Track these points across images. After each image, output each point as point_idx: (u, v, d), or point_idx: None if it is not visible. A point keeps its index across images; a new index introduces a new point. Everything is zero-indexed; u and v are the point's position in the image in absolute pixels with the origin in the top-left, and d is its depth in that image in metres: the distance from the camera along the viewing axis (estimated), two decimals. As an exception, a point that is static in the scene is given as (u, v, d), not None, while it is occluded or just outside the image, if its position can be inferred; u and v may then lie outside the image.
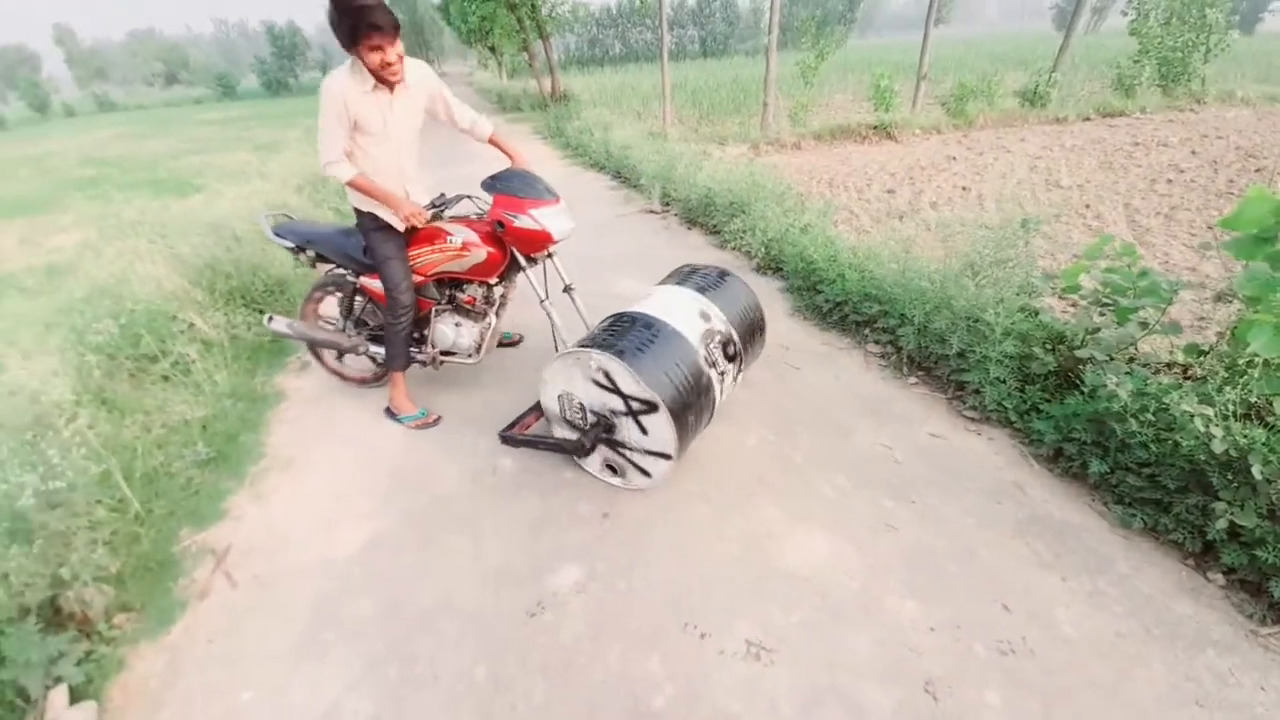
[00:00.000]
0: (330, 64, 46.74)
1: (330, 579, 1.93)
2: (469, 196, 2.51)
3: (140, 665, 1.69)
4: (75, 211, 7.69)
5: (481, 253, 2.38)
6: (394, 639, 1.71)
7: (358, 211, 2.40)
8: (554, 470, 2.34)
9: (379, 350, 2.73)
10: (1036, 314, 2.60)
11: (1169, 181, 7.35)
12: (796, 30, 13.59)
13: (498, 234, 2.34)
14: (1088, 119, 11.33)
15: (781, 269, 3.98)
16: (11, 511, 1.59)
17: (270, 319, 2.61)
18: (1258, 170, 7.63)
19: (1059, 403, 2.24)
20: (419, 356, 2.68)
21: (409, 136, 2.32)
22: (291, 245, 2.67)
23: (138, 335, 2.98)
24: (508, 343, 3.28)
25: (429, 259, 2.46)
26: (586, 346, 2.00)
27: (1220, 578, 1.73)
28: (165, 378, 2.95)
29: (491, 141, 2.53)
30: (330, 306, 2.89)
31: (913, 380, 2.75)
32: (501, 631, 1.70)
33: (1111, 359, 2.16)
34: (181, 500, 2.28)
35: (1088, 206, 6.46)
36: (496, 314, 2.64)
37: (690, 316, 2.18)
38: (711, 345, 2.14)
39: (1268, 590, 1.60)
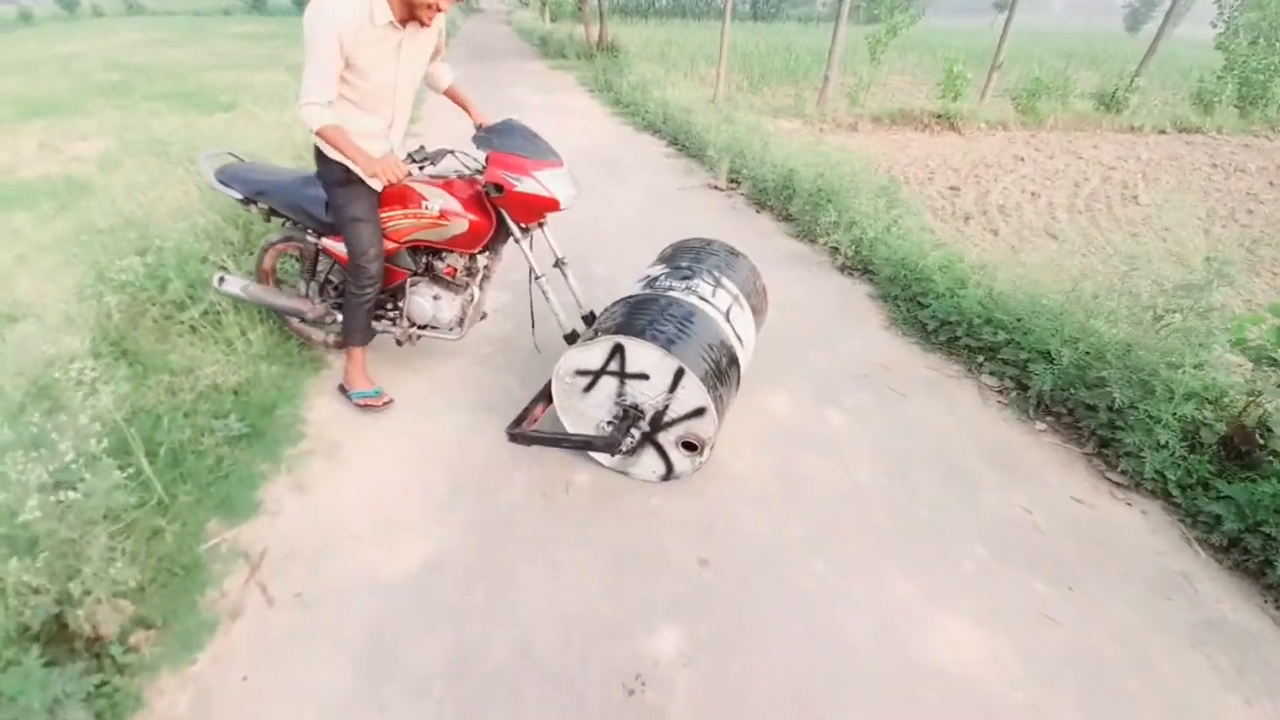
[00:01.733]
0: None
1: (386, 605, 1.65)
2: (452, 152, 2.19)
3: (160, 703, 1.42)
4: (98, 119, 7.28)
5: (462, 223, 2.09)
6: (466, 700, 1.42)
7: (320, 158, 2.01)
8: (635, 492, 2.03)
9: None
10: (1198, 367, 2.24)
11: (1249, 212, 6.85)
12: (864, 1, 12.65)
13: (489, 198, 2.07)
14: (1163, 132, 10.63)
15: (871, 270, 3.59)
16: (12, 520, 1.28)
17: (221, 279, 2.30)
18: (1340, 210, 7.11)
19: (1238, 481, 1.91)
20: (391, 330, 2.41)
21: (412, 86, 2.01)
22: (240, 196, 2.29)
23: (165, 278, 2.64)
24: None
25: (401, 224, 2.13)
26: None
27: None
28: (193, 329, 2.62)
29: (449, 94, 2.28)
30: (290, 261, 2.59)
31: (1041, 427, 2.40)
32: (594, 707, 1.42)
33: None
34: (210, 485, 1.98)
35: (1167, 229, 6.00)
36: (480, 286, 2.36)
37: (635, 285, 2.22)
38: (672, 278, 2.17)
39: None
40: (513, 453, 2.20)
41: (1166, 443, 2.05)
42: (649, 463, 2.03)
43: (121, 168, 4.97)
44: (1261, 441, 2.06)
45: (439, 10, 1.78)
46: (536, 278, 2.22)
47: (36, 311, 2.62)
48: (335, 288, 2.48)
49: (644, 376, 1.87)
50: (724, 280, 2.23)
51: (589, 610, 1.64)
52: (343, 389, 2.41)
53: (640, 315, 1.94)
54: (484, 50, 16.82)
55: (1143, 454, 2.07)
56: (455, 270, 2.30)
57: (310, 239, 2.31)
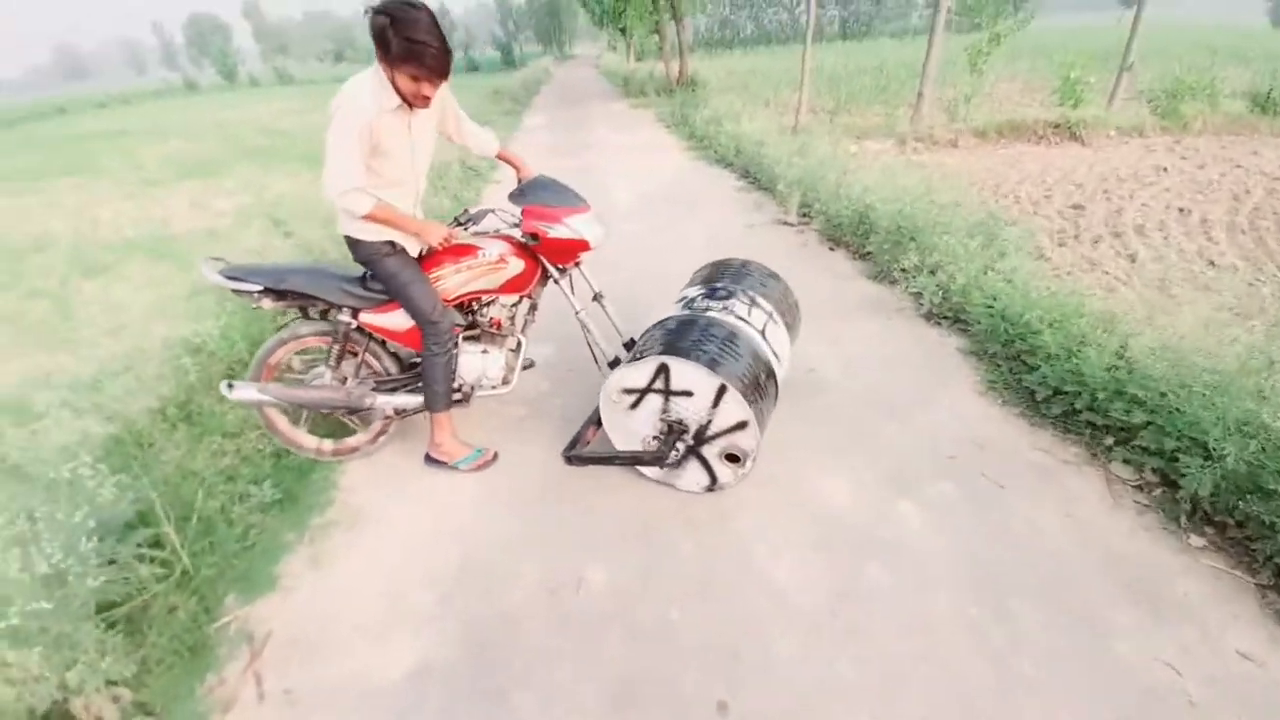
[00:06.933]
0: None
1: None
2: (493, 211, 2.30)
3: (137, 807, 1.37)
4: (240, 177, 8.29)
5: (519, 264, 2.24)
6: None
7: (359, 243, 2.05)
8: (654, 599, 1.77)
9: (390, 400, 2.30)
10: None
11: None
12: (965, 7, 11.74)
13: (527, 247, 2.24)
14: (1337, 138, 8.74)
15: (964, 320, 3.10)
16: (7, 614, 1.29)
17: (230, 385, 2.13)
18: None
19: None
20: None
21: (426, 157, 2.13)
22: (256, 288, 2.10)
23: (234, 340, 2.81)
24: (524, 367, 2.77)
25: (452, 280, 2.20)
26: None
27: None
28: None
29: (501, 156, 2.39)
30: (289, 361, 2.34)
31: (1198, 543, 1.84)
32: None
33: None
34: (234, 557, 1.99)
35: (1359, 256, 4.78)
36: (524, 333, 2.45)
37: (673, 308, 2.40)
38: (709, 299, 2.34)
39: None
40: (526, 537, 2.03)
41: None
42: (693, 475, 2.13)
43: (250, 225, 5.60)
44: None
45: (423, 99, 1.85)
46: (577, 312, 2.36)
47: (144, 364, 2.89)
48: (353, 374, 2.35)
49: (688, 394, 2.00)
50: (758, 299, 2.36)
51: (582, 757, 1.40)
52: (434, 461, 2.35)
53: (683, 336, 2.07)
54: (569, 94, 17.61)
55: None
56: (500, 321, 2.38)
57: (344, 319, 2.20)
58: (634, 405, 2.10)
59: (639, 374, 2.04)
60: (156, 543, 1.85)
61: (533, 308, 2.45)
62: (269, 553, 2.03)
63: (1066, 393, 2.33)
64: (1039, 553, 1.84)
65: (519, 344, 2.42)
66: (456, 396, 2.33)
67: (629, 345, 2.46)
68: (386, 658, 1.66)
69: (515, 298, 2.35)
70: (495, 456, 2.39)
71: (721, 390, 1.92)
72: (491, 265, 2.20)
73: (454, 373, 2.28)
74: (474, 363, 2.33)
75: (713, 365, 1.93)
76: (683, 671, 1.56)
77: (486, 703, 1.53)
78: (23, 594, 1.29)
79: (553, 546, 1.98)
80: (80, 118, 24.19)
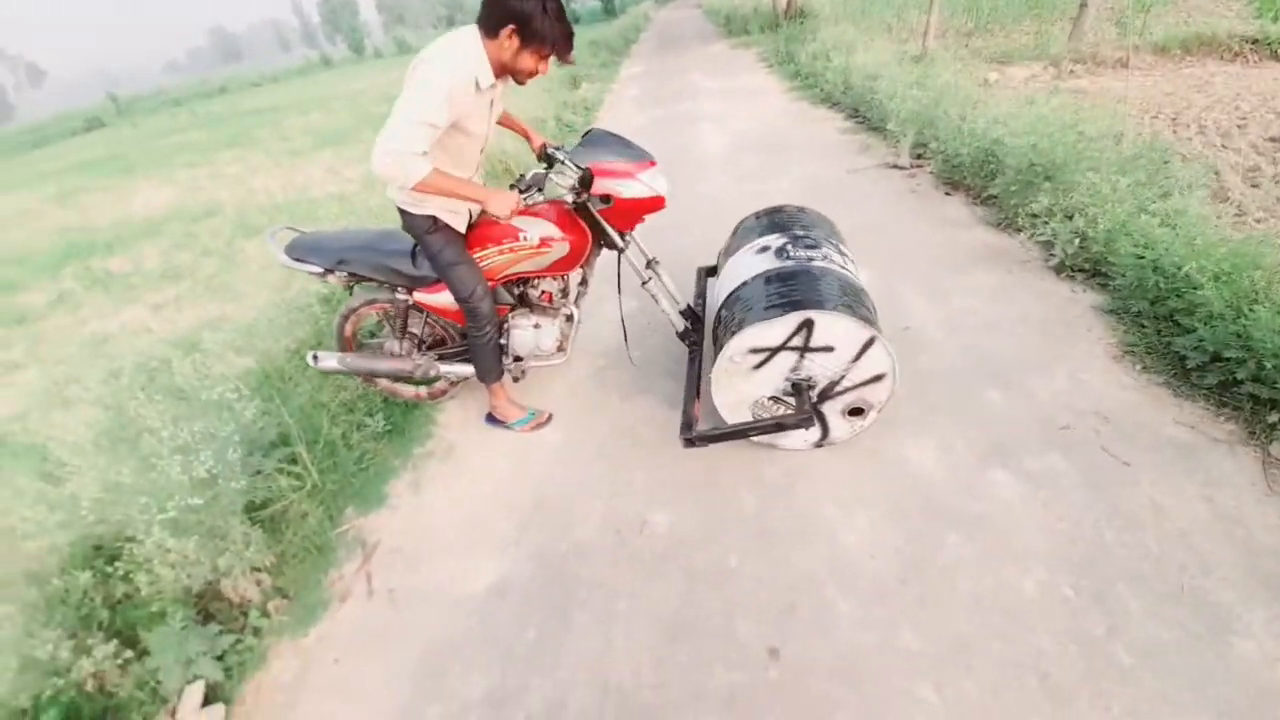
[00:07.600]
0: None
1: (452, 625, 1.72)
2: (547, 174, 2.12)
3: (277, 665, 1.69)
4: (364, 145, 9.05)
5: (564, 245, 2.09)
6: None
7: (406, 214, 1.98)
8: (712, 545, 1.80)
9: (452, 370, 2.37)
10: None
11: None
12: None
13: (591, 211, 2.04)
14: None
15: (1103, 273, 2.66)
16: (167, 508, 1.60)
17: (315, 357, 2.28)
18: None
19: None
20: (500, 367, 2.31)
21: (491, 136, 2.04)
22: (319, 269, 2.14)
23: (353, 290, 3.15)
24: None
25: (497, 261, 2.11)
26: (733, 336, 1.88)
27: None
28: (372, 334, 3.08)
29: (503, 123, 2.23)
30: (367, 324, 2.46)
31: (1388, 544, 1.50)
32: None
33: None
34: (352, 476, 2.30)
35: None
36: (576, 304, 2.35)
37: (758, 258, 2.16)
38: (798, 248, 2.13)
39: None
40: (597, 480, 2.13)
41: None
42: (803, 432, 2.02)
43: (372, 189, 6.16)
44: None
45: (534, 75, 1.81)
46: (645, 283, 2.25)
47: (285, 311, 3.35)
48: (424, 341, 2.42)
49: (829, 349, 1.86)
50: (841, 247, 2.24)
51: (631, 683, 1.49)
52: (496, 421, 2.44)
53: (812, 288, 1.90)
54: (668, 39, 16.91)
55: None
56: (551, 295, 2.30)
57: (400, 297, 2.23)
58: (759, 365, 1.92)
59: (775, 332, 1.84)
60: (293, 460, 2.19)
61: (584, 280, 2.36)
62: (379, 475, 2.32)
63: (1227, 359, 1.94)
64: (1162, 538, 1.60)
65: (572, 315, 2.33)
66: (510, 368, 2.35)
67: (687, 313, 2.37)
68: (470, 572, 1.86)
69: (563, 274, 2.25)
70: (549, 418, 2.44)
71: (869, 343, 1.81)
72: (533, 249, 2.07)
73: (502, 350, 2.27)
74: (526, 337, 2.28)
75: (859, 316, 1.81)
76: (736, 616, 1.59)
77: (552, 618, 1.68)
78: (181, 493, 1.59)
79: (621, 490, 2.07)
80: (239, 96, 27.54)
